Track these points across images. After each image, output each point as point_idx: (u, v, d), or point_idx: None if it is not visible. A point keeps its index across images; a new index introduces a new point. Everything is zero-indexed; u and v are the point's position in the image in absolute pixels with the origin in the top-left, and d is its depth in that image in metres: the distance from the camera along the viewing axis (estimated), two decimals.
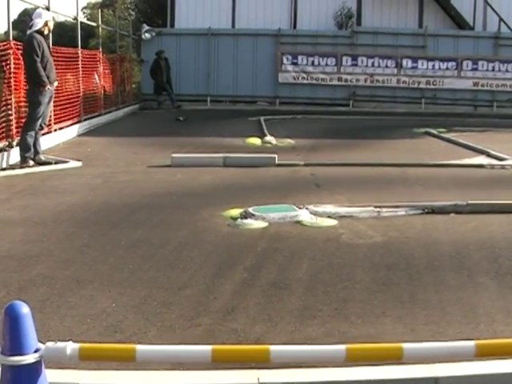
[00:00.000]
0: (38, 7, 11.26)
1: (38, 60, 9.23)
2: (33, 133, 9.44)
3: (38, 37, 9.33)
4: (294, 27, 22.54)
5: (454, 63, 20.53)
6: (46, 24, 9.45)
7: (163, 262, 5.06)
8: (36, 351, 2.62)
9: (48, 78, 9.39)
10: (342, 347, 2.71)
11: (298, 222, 6.30)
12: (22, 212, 6.79)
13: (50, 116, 11.66)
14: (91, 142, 12.69)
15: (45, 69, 9.33)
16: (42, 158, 9.70)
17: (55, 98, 12.15)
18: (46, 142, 11.10)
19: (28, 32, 9.47)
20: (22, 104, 10.23)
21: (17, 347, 2.58)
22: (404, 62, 20.61)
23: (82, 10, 34.55)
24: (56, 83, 10.06)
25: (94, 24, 18.80)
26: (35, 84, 9.36)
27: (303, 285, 4.57)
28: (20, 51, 10.03)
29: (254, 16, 22.54)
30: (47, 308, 4.08)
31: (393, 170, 9.48)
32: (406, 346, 2.72)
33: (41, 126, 9.65)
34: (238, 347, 3.12)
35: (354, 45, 20.85)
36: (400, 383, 3.20)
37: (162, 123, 16.60)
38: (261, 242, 5.68)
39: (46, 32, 9.56)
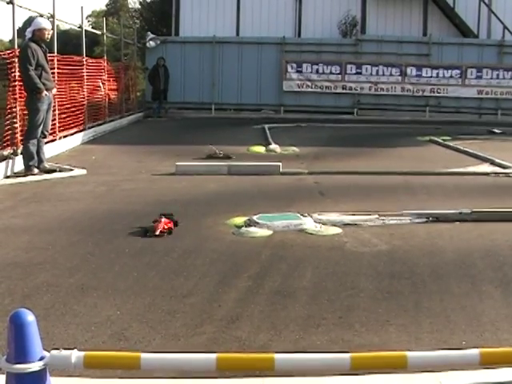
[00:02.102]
0: (42, 15, 11.27)
1: (31, 68, 9.24)
2: (35, 141, 9.45)
3: (33, 45, 9.34)
4: (299, 35, 22.63)
5: (458, 71, 20.55)
6: (33, 33, 9.39)
7: (168, 270, 5.06)
8: (41, 359, 2.63)
9: (44, 85, 9.40)
10: (347, 355, 2.71)
11: (303, 231, 6.30)
12: (26, 219, 6.81)
13: (55, 124, 11.71)
14: (96, 149, 12.73)
15: (40, 76, 9.34)
16: (47, 165, 9.72)
17: (60, 105, 12.24)
18: (51, 150, 11.14)
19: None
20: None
21: (22, 355, 2.59)
22: (408, 70, 20.65)
23: (86, 18, 34.79)
24: (54, 90, 10.08)
25: (98, 32, 18.89)
26: (32, 91, 9.39)
27: (307, 293, 4.56)
28: None
29: (258, 24, 22.62)
30: (52, 316, 4.08)
31: (397, 178, 9.47)
32: (410, 354, 2.72)
33: (43, 133, 9.66)
34: (243, 355, 3.11)
35: (359, 53, 20.90)
36: None
37: (166, 131, 16.65)
38: (265, 250, 5.68)
39: (42, 40, 9.47)
